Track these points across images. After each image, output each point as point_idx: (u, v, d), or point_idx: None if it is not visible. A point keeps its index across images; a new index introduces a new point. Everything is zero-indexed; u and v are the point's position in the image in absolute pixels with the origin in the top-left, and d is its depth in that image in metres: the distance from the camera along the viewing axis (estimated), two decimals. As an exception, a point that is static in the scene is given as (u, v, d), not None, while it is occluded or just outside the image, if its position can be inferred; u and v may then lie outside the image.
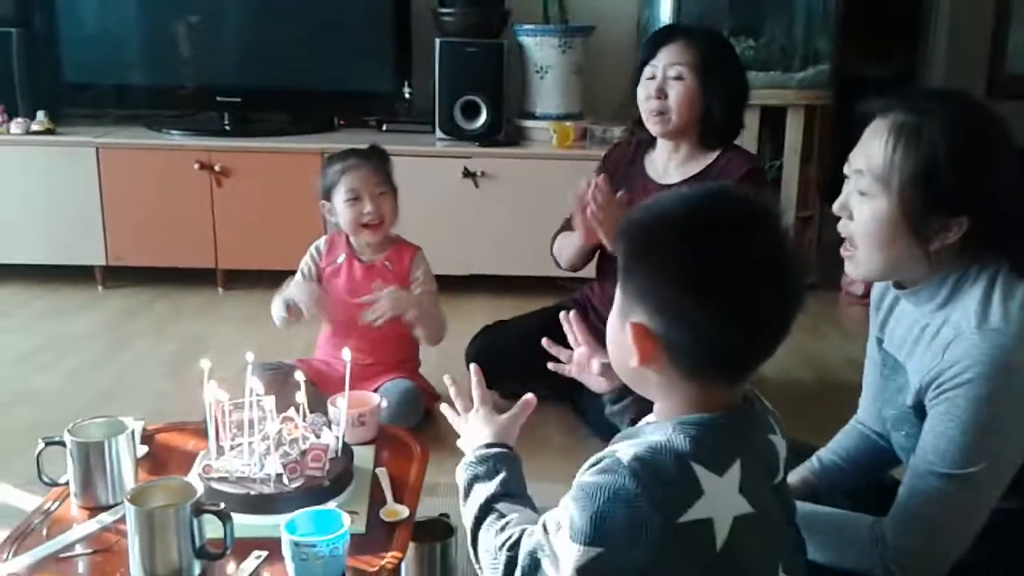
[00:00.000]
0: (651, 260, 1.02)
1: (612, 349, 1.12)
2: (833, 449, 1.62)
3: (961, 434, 1.24)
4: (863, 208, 1.31)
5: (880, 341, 1.50)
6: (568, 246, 2.58)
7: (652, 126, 2.46)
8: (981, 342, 1.24)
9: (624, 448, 1.01)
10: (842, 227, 1.37)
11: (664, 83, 2.40)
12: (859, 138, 1.34)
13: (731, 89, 2.44)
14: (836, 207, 1.37)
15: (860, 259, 1.35)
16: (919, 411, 1.33)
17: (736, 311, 0.99)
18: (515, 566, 1.11)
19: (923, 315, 1.36)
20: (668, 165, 2.54)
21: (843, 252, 1.39)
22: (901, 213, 1.27)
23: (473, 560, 1.21)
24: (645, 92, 2.44)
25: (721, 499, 0.99)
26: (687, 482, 0.98)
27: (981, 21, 4.74)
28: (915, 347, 1.37)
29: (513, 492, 1.25)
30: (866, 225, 1.31)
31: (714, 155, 2.48)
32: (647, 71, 2.43)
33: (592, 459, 1.05)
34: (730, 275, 0.98)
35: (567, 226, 2.77)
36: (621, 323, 1.07)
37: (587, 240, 2.41)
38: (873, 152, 1.29)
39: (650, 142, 2.56)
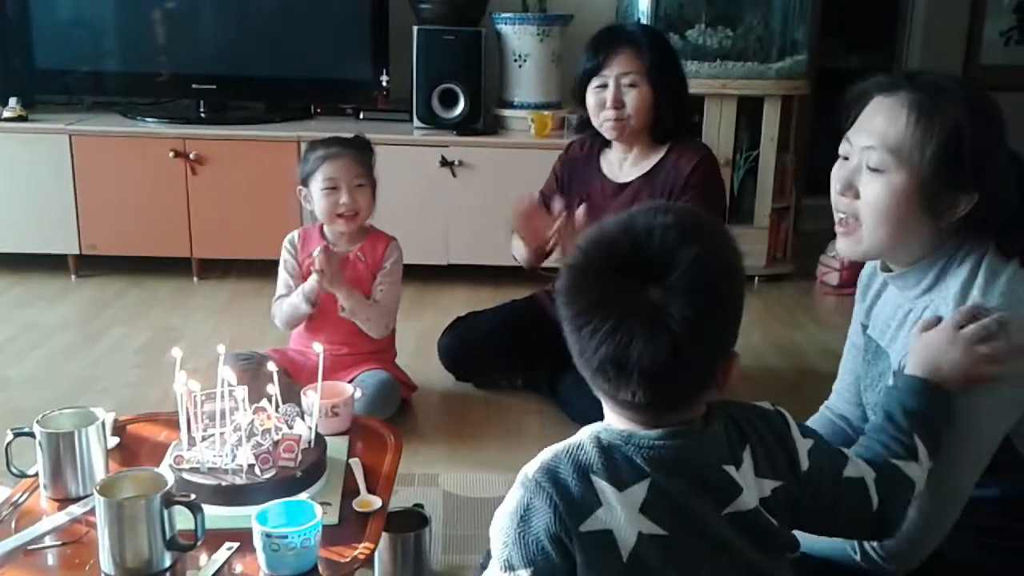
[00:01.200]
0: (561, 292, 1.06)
1: None
2: None
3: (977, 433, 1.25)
4: (874, 184, 1.31)
5: (864, 327, 1.50)
6: (520, 254, 2.59)
7: (608, 132, 2.49)
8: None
9: (534, 461, 1.06)
10: (845, 206, 1.36)
11: (619, 91, 2.43)
12: (848, 121, 1.36)
13: (680, 88, 2.50)
14: (840, 187, 1.35)
15: (864, 236, 1.34)
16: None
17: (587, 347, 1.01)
18: None
19: (908, 300, 1.37)
20: (623, 164, 2.58)
21: (839, 229, 1.38)
22: (919, 188, 1.28)
23: None
24: (598, 100, 2.46)
25: (620, 513, 1.01)
26: (586, 492, 1.02)
27: (956, 12, 4.77)
28: (898, 332, 1.38)
29: None
30: (878, 200, 1.31)
31: (665, 149, 2.52)
32: (597, 80, 2.45)
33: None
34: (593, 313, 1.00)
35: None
36: None
37: (535, 261, 2.48)
38: (889, 128, 1.29)
39: (605, 141, 2.59)
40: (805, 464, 1.12)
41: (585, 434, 1.08)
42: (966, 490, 1.28)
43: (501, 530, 1.05)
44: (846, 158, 1.35)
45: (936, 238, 1.32)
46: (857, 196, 1.33)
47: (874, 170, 1.30)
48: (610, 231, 1.04)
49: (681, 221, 1.02)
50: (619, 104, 2.43)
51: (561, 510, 1.01)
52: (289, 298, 2.47)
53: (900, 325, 1.38)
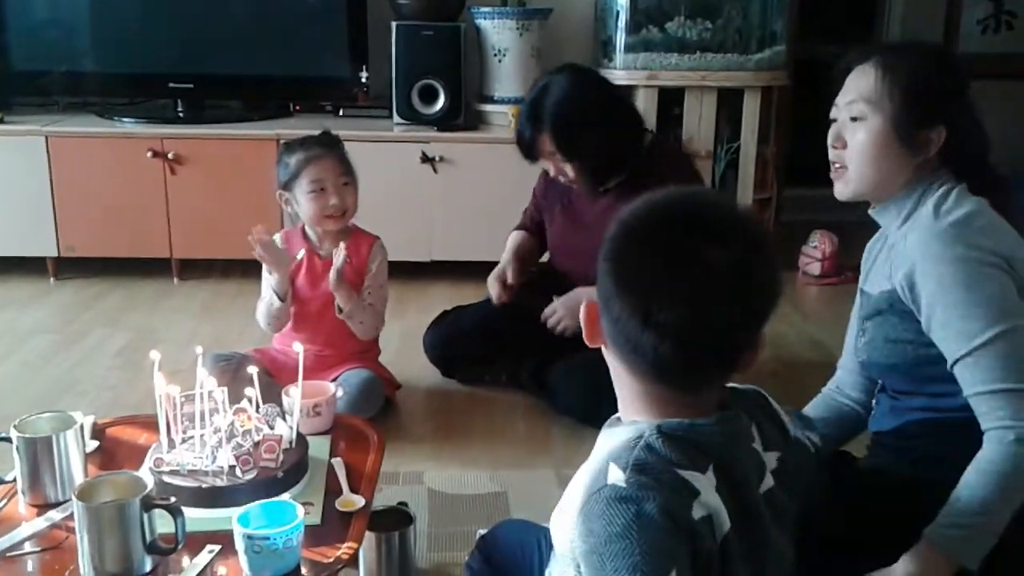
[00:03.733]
0: (607, 262, 1.05)
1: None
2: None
3: (959, 300, 1.37)
4: (857, 132, 1.50)
5: (861, 291, 1.61)
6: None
7: None
8: (937, 223, 1.43)
9: (613, 471, 1.00)
10: (835, 155, 1.54)
11: (557, 164, 2.51)
12: (825, 117, 1.56)
13: (604, 144, 2.48)
14: (831, 138, 1.54)
15: (851, 176, 1.52)
16: (891, 298, 1.48)
17: (651, 320, 0.99)
18: None
19: (892, 236, 1.52)
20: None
21: (833, 175, 1.56)
22: (892, 127, 1.46)
23: None
24: (548, 171, 2.60)
25: (711, 497, 1.00)
26: (681, 485, 0.99)
27: (935, 2, 4.79)
28: (874, 264, 1.55)
29: None
30: (860, 144, 1.49)
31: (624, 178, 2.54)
32: (533, 161, 2.57)
33: (586, 484, 1.03)
34: (642, 282, 1.01)
35: (523, 225, 2.81)
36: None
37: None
38: (862, 83, 1.49)
39: None
40: (791, 430, 1.17)
41: (642, 431, 1.03)
42: None
43: (617, 555, 0.95)
44: (835, 120, 1.54)
45: (915, 173, 1.49)
46: (845, 146, 1.52)
47: (855, 119, 1.50)
48: (656, 203, 1.06)
49: (723, 193, 1.08)
50: (562, 173, 2.53)
51: (672, 503, 0.97)
52: (263, 299, 2.45)
53: (877, 256, 1.54)
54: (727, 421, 1.06)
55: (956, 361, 1.38)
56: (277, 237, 2.52)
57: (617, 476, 0.99)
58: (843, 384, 1.72)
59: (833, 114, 1.55)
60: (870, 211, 1.58)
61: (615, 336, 1.04)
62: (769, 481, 1.09)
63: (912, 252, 1.44)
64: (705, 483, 1.01)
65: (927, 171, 1.49)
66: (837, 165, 1.54)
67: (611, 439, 1.07)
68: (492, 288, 2.67)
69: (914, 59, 1.50)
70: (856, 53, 1.54)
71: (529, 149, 2.52)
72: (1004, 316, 1.35)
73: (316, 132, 2.52)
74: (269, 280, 2.45)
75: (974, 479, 1.33)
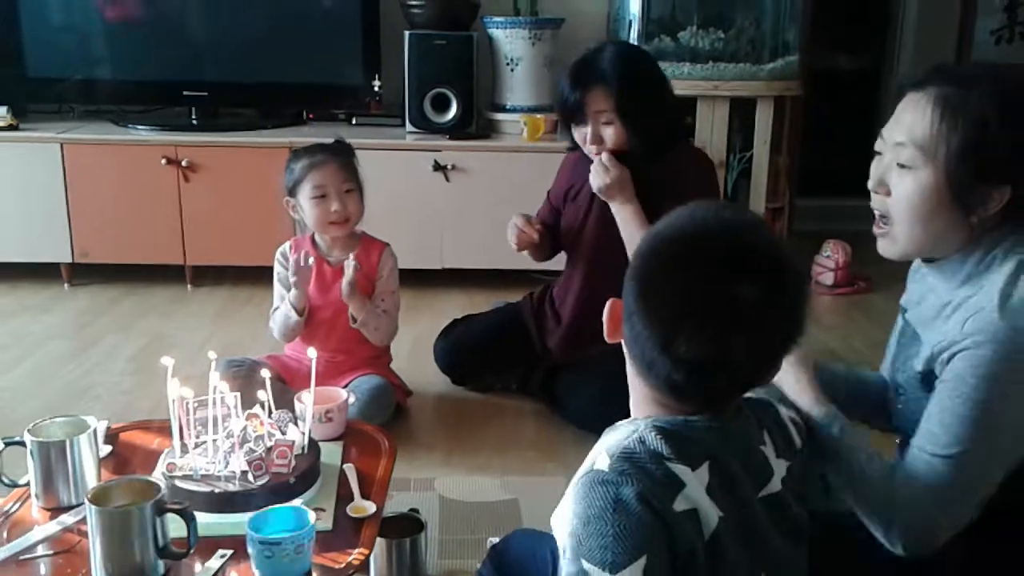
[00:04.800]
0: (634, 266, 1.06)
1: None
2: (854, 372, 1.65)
3: (969, 410, 1.24)
4: (905, 181, 1.31)
5: (904, 310, 1.51)
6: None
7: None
8: (1000, 321, 1.23)
9: (601, 457, 1.03)
10: (878, 204, 1.36)
11: (596, 127, 2.43)
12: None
13: (657, 111, 2.44)
14: (872, 184, 1.36)
15: (898, 235, 1.35)
16: (927, 380, 1.34)
17: (670, 350, 0.99)
18: None
19: (947, 291, 1.36)
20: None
21: (876, 230, 1.38)
22: (947, 183, 1.27)
23: None
24: (580, 135, 2.48)
25: (700, 493, 1.01)
26: (667, 475, 1.00)
27: (947, 12, 4.77)
28: (934, 321, 1.38)
29: None
30: (908, 198, 1.31)
31: (659, 165, 2.47)
32: (578, 117, 2.45)
33: (578, 473, 1.05)
34: (664, 306, 1.01)
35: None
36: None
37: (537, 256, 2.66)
38: (916, 124, 1.29)
39: None
40: (799, 442, 1.17)
41: (638, 426, 1.05)
42: (990, 484, 1.27)
43: (591, 535, 0.97)
44: (880, 154, 1.36)
45: (973, 232, 1.31)
46: (889, 193, 1.34)
47: (903, 166, 1.31)
48: (691, 226, 1.05)
49: (759, 219, 1.08)
50: (598, 140, 2.44)
51: (654, 492, 0.98)
52: (280, 309, 2.46)
53: (936, 315, 1.37)
54: (727, 419, 1.07)
55: (912, 446, 1.30)
56: (287, 245, 2.53)
57: (603, 462, 1.02)
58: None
59: (878, 146, 1.36)
60: (924, 264, 1.40)
61: (632, 346, 1.05)
62: (775, 486, 1.09)
63: (963, 338, 1.26)
64: (693, 479, 1.01)
65: (989, 228, 1.31)
66: (880, 216, 1.36)
67: (610, 435, 1.08)
68: (514, 226, 2.59)
69: (982, 97, 1.25)
70: (913, 78, 1.33)
71: (574, 108, 2.43)
72: (985, 436, 1.24)
73: (328, 140, 2.53)
74: (286, 294, 2.45)
75: (877, 463, 1.31)
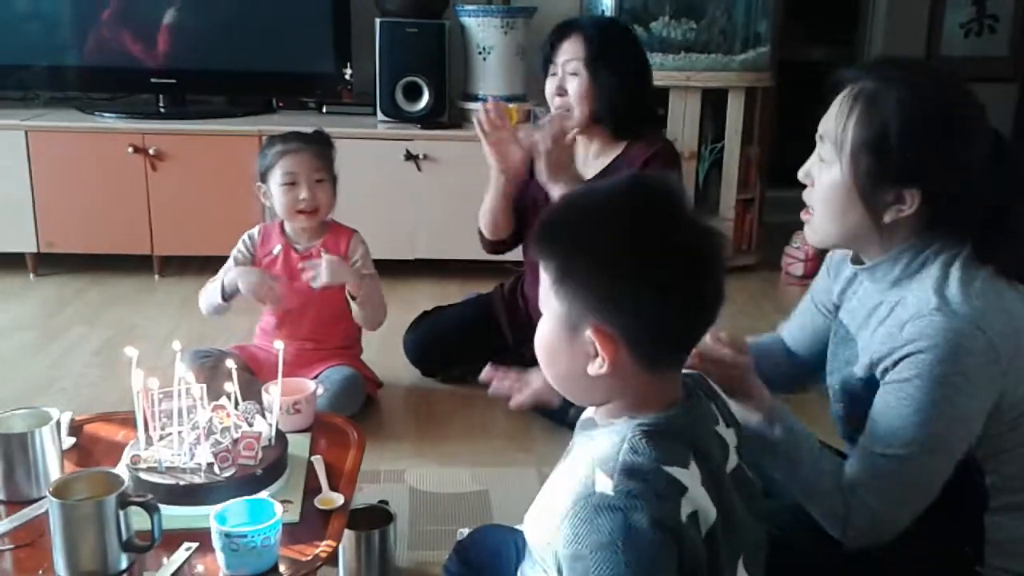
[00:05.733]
0: (596, 260, 1.00)
1: (560, 364, 1.07)
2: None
3: (913, 413, 1.25)
4: (822, 175, 1.32)
5: (837, 308, 1.51)
6: (487, 201, 2.59)
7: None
8: (940, 322, 1.23)
9: (601, 478, 0.98)
10: (805, 194, 1.38)
11: (563, 79, 2.43)
12: (808, 119, 1.39)
13: (626, 79, 2.43)
14: (800, 174, 1.37)
15: (816, 225, 1.36)
16: (869, 385, 1.34)
17: (683, 287, 0.99)
18: None
19: (879, 292, 1.37)
20: (585, 159, 2.55)
21: (803, 216, 1.39)
22: (852, 180, 1.28)
23: None
24: (549, 88, 2.47)
25: (697, 492, 1.00)
26: (669, 483, 0.98)
27: (917, 4, 4.81)
28: (867, 322, 1.38)
29: None
30: (823, 192, 1.32)
31: (623, 146, 2.49)
32: (550, 68, 2.46)
33: (574, 490, 1.00)
34: (670, 254, 0.99)
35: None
36: (570, 335, 1.03)
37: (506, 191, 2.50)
38: (830, 118, 1.30)
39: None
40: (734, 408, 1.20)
41: (623, 433, 1.02)
42: (935, 484, 1.29)
43: (602, 563, 0.94)
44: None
45: (890, 235, 1.32)
46: (813, 185, 1.35)
47: (823, 161, 1.32)
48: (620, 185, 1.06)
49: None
50: (562, 91, 2.43)
51: (662, 510, 0.96)
52: (216, 283, 2.40)
53: (869, 315, 1.38)
54: (694, 405, 1.07)
55: (856, 442, 1.32)
56: (255, 230, 2.50)
57: (605, 484, 0.98)
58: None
59: (817, 138, 1.36)
60: (853, 265, 1.42)
61: (638, 330, 1.00)
62: (734, 459, 1.10)
63: (904, 343, 1.26)
64: (690, 478, 1.00)
65: (912, 229, 1.30)
66: (806, 205, 1.38)
67: (592, 444, 1.05)
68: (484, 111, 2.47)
69: (891, 99, 1.24)
70: (849, 69, 1.32)
71: (550, 49, 2.43)
72: (931, 437, 1.25)
73: (307, 129, 2.50)
74: (236, 277, 2.38)
75: (824, 462, 1.34)
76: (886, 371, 1.29)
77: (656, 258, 0.98)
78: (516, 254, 2.84)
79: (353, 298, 2.39)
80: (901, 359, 1.26)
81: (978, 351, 1.22)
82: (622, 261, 0.99)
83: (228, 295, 2.38)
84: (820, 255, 4.18)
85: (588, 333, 1.01)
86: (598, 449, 1.03)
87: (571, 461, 1.07)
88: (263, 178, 2.44)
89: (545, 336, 1.07)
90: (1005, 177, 1.27)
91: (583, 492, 0.99)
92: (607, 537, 0.95)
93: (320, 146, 2.45)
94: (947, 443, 1.27)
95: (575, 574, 0.97)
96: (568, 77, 2.42)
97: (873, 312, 1.37)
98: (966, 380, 1.23)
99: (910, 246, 1.31)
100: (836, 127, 1.29)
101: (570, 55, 2.41)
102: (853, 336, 1.42)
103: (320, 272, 2.33)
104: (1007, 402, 1.27)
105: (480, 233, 2.66)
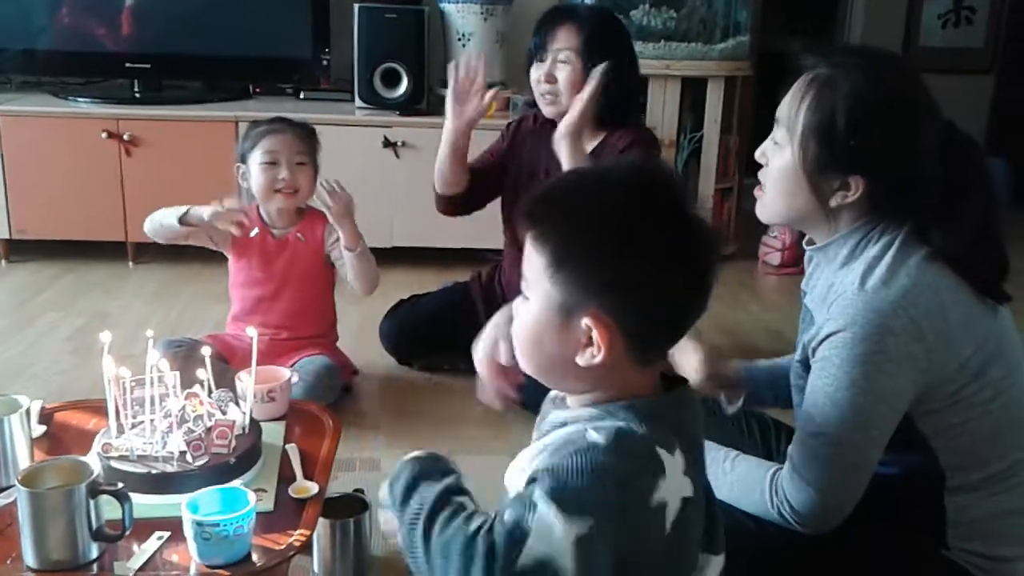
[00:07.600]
0: (602, 244, 0.96)
1: (544, 352, 1.03)
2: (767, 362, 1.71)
3: (836, 391, 1.26)
4: (775, 157, 1.36)
5: (804, 294, 1.52)
6: (439, 151, 2.55)
7: (544, 107, 2.48)
8: (858, 301, 1.26)
9: (592, 432, 0.95)
10: (761, 172, 1.41)
11: (553, 67, 2.42)
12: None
13: (617, 71, 2.39)
14: (757, 153, 1.41)
15: (766, 204, 1.40)
16: (806, 366, 1.36)
17: (686, 275, 0.98)
18: (495, 553, 0.93)
19: (831, 272, 1.38)
20: None
21: (756, 192, 1.43)
22: (801, 165, 1.31)
23: (420, 564, 1.06)
24: (536, 74, 2.46)
25: (674, 480, 0.97)
26: (654, 464, 0.95)
27: (896, -4, 4.85)
28: (823, 304, 1.39)
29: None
30: (774, 173, 1.36)
31: (603, 134, 2.48)
32: (539, 54, 2.45)
33: (549, 442, 1.00)
34: (679, 241, 0.97)
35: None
36: (563, 322, 0.99)
37: (459, 139, 2.47)
38: (785, 103, 1.33)
39: (553, 120, 2.55)
40: None
41: (608, 409, 0.99)
42: (868, 463, 1.30)
43: (568, 478, 0.91)
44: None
45: (836, 219, 1.34)
46: (767, 164, 1.39)
47: (776, 143, 1.35)
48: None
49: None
50: (551, 79, 2.42)
51: (638, 482, 0.93)
52: (174, 209, 2.35)
53: (824, 297, 1.39)
54: (683, 393, 1.06)
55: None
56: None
57: (595, 436, 0.94)
58: None
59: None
60: (806, 247, 1.45)
61: (634, 314, 0.98)
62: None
63: (825, 322, 1.29)
64: (672, 464, 0.96)
65: (859, 211, 1.32)
66: (759, 183, 1.42)
67: (571, 414, 1.03)
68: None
69: (847, 80, 1.26)
70: (808, 56, 1.34)
71: (538, 45, 2.43)
72: (855, 415, 1.26)
73: (289, 116, 2.49)
74: (205, 214, 2.34)
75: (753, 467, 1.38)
76: (814, 352, 1.31)
77: (664, 244, 0.96)
78: (494, 242, 2.83)
79: (351, 250, 2.36)
80: (824, 339, 1.29)
81: (899, 329, 1.24)
82: (630, 246, 0.95)
83: (187, 223, 2.33)
84: (797, 245, 4.21)
85: (585, 321, 0.97)
86: (582, 415, 1.01)
87: (545, 431, 1.06)
88: (243, 159, 2.41)
89: (530, 322, 1.02)
90: (953, 167, 1.29)
91: (575, 438, 0.96)
92: (579, 465, 0.92)
93: (304, 131, 2.43)
94: (872, 421, 1.28)
95: (542, 488, 0.92)
96: (559, 65, 2.41)
97: (827, 293, 1.38)
98: (886, 359, 1.24)
99: (857, 227, 1.34)
100: (789, 111, 1.31)
101: (563, 44, 2.40)
102: (814, 318, 1.43)
103: (338, 200, 2.31)
104: (939, 378, 1.28)
105: (437, 194, 2.64)
